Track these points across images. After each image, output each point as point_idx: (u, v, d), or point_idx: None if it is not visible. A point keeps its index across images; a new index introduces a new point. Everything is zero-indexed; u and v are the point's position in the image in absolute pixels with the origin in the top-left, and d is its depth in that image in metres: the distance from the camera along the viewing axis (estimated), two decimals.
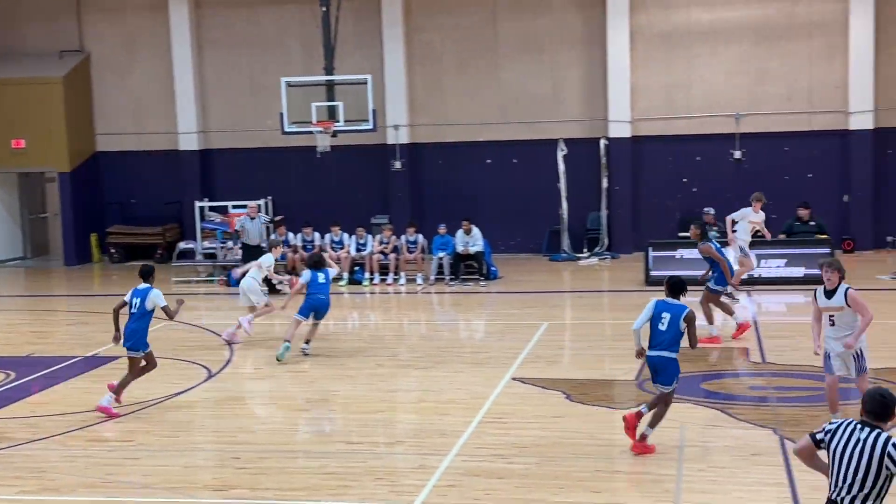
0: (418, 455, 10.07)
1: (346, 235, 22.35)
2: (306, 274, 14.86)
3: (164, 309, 11.81)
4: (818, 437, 6.20)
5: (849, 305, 10.05)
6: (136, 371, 11.97)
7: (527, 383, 12.65)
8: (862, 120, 23.78)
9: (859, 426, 6.03)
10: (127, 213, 26.92)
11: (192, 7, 26.13)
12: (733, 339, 14.84)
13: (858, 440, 5.97)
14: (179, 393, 12.71)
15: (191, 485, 9.43)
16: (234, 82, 26.47)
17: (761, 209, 18.29)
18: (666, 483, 8.96)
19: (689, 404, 11.37)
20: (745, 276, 17.83)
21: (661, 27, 24.73)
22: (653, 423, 9.87)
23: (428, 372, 13.76)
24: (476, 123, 25.56)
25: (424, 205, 25.63)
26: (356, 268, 21.93)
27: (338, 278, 19.52)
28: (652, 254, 20.27)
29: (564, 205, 24.30)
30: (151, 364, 12.11)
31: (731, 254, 17.44)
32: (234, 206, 23.82)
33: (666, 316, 9.79)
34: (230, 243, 23.07)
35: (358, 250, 22.07)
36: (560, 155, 24.15)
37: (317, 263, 14.97)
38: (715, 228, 21.39)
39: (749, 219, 18.08)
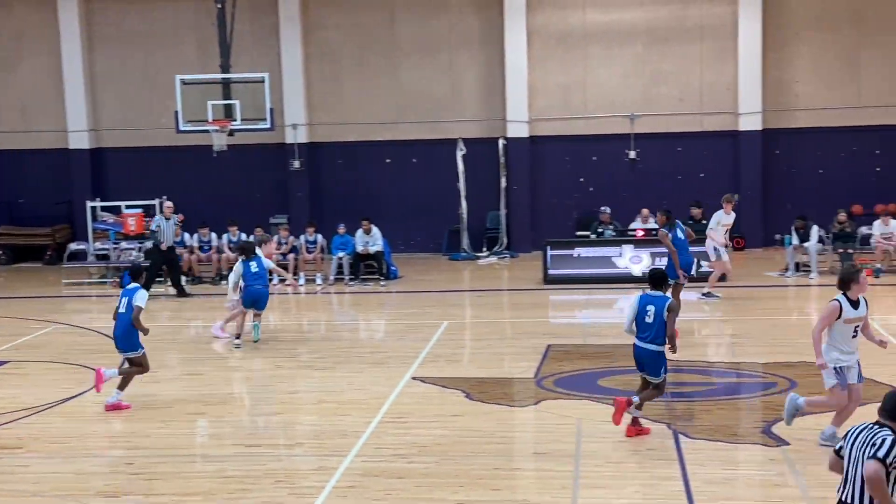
0: (318, 456, 10.00)
1: (243, 236, 22.07)
2: (238, 266, 14.73)
3: (137, 310, 11.61)
4: (838, 446, 6.24)
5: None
6: (144, 364, 11.89)
7: (427, 383, 12.67)
8: (751, 121, 24.47)
9: (876, 427, 6.02)
10: (15, 214, 26.12)
11: (81, 1, 25.48)
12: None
13: (866, 440, 5.98)
14: (71, 398, 12.38)
15: (82, 492, 9.20)
16: (128, 80, 25.91)
17: (732, 210, 18.70)
18: (564, 479, 9.06)
19: (586, 401, 11.54)
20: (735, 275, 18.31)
21: (557, 28, 25.05)
22: (639, 406, 10.17)
23: (328, 373, 13.68)
24: (375, 123, 25.51)
25: (324, 204, 25.47)
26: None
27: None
28: (550, 252, 20.50)
29: (464, 204, 24.42)
30: (144, 367, 11.99)
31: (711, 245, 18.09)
32: (128, 207, 23.30)
33: (651, 308, 10.09)
34: (124, 244, 22.59)
35: None
36: (459, 154, 24.26)
37: (244, 251, 14.90)
38: (610, 228, 21.80)
39: (722, 221, 18.49)
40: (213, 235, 22.24)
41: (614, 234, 21.58)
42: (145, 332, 11.81)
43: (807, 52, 24.60)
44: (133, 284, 11.84)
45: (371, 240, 21.54)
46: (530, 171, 25.26)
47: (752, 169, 24.61)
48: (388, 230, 22.50)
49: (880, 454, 5.82)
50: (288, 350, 15.12)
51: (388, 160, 25.74)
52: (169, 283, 20.65)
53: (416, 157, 25.65)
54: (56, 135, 25.93)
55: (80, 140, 25.80)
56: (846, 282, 9.46)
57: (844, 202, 22.40)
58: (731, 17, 24.36)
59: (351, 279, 21.32)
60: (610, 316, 17.83)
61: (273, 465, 9.78)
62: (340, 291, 20.76)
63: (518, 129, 25.03)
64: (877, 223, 21.00)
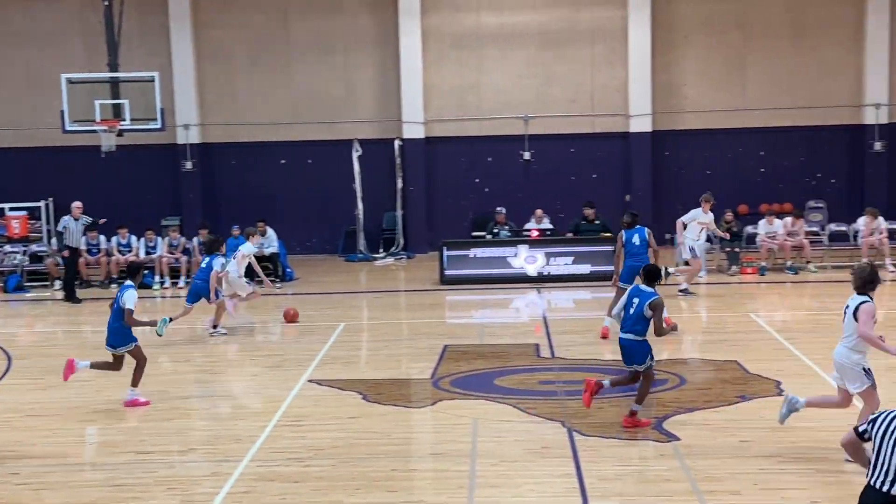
0: (212, 462, 9.84)
1: (133, 238, 21.64)
2: (219, 260, 15.79)
3: (129, 314, 11.46)
4: (861, 428, 6.24)
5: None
6: (140, 357, 11.74)
7: (323, 385, 12.60)
8: (641, 123, 24.99)
9: None
10: None
11: None
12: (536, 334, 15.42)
13: None
14: None
15: None
16: (11, 78, 25.18)
17: (710, 210, 18.90)
18: (460, 479, 9.11)
19: (482, 400, 11.63)
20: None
21: (452, 29, 25.18)
22: (639, 400, 10.33)
23: (222, 376, 13.47)
24: (270, 123, 25.27)
25: (218, 206, 25.12)
26: (145, 271, 21.22)
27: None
28: (447, 253, 20.60)
29: (360, 205, 24.37)
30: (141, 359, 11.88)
31: (683, 253, 18.50)
32: (12, 209, 22.61)
33: (636, 300, 10.35)
34: (7, 247, 21.92)
35: (147, 253, 21.43)
36: (355, 155, 24.20)
37: (210, 248, 16.03)
38: (506, 228, 22.00)
39: (699, 220, 18.69)
40: (102, 238, 21.75)
41: (510, 234, 21.79)
42: (148, 324, 12.14)
43: (694, 56, 25.25)
44: (129, 282, 11.80)
45: (266, 241, 21.34)
46: (426, 171, 25.34)
47: (643, 169, 25.14)
48: (283, 231, 22.32)
49: None
50: (182, 354, 14.87)
51: (283, 161, 25.52)
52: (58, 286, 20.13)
53: (311, 158, 25.49)
54: None
55: None
56: (873, 282, 9.03)
57: (731, 202, 23.04)
58: (622, 22, 24.84)
59: (247, 281, 21.00)
60: (506, 316, 18.01)
61: (165, 472, 9.60)
62: (235, 294, 20.41)
63: (414, 129, 25.08)
64: (762, 222, 21.65)
